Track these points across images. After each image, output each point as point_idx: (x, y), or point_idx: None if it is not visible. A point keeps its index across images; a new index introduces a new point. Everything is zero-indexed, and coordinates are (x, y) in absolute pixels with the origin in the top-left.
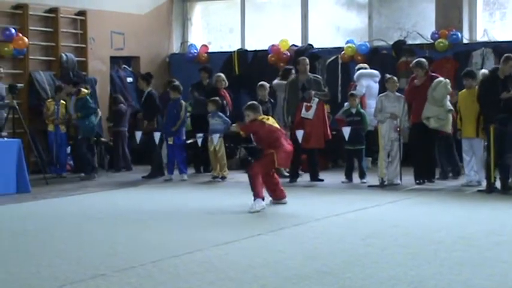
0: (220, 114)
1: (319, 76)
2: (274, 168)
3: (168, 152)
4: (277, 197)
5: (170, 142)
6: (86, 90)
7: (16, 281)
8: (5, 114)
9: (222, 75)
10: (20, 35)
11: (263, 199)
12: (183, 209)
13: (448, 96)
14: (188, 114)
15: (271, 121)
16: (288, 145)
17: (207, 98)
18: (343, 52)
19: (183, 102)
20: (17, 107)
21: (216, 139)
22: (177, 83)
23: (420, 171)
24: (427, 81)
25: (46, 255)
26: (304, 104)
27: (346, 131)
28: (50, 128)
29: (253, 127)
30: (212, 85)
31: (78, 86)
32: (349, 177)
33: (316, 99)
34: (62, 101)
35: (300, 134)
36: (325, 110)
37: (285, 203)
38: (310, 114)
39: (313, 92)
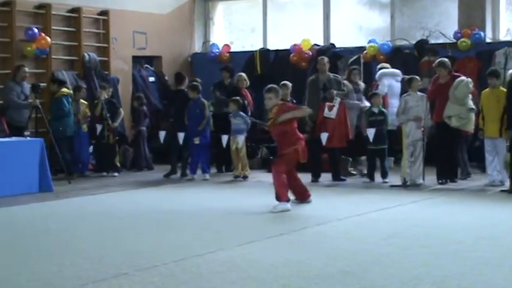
0: (242, 113)
1: (338, 76)
2: (297, 163)
3: (193, 152)
4: (302, 197)
5: (197, 142)
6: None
7: (39, 279)
8: (28, 114)
9: (244, 74)
10: (43, 34)
11: (288, 201)
12: (205, 209)
13: (470, 96)
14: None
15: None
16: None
17: (229, 98)
18: (365, 51)
19: (204, 101)
20: (39, 106)
21: (241, 140)
22: (195, 82)
23: (443, 171)
24: (450, 80)
25: (68, 254)
26: (327, 103)
27: (371, 132)
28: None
29: (289, 108)
30: (233, 85)
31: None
32: (371, 177)
33: (339, 99)
34: (82, 101)
35: (324, 136)
36: (346, 110)
37: (309, 202)
38: (332, 114)
39: (334, 92)
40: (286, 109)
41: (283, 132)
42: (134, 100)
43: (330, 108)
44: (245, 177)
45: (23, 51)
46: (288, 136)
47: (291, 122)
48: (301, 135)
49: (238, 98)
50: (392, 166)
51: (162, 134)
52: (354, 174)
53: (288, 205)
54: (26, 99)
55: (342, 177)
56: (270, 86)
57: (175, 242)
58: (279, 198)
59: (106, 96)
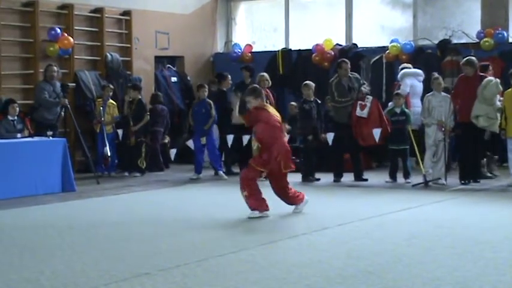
0: None
1: (355, 73)
2: (280, 173)
3: (198, 152)
4: (292, 202)
5: (203, 142)
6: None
7: (61, 279)
8: (59, 113)
9: (266, 74)
10: (66, 34)
11: (261, 211)
12: (226, 208)
13: (498, 96)
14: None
15: (272, 110)
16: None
17: None
18: (387, 51)
19: (210, 101)
20: (68, 106)
21: None
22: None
23: (466, 171)
24: (476, 80)
25: (91, 254)
26: (359, 102)
27: (377, 132)
28: (96, 128)
29: (259, 115)
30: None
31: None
32: (393, 177)
33: (371, 98)
34: (112, 101)
35: (377, 132)
36: (380, 107)
37: (299, 211)
38: (364, 113)
39: (366, 90)
40: (254, 118)
41: (270, 131)
42: (150, 98)
43: (362, 108)
44: (267, 178)
45: (46, 52)
46: (273, 136)
47: (279, 122)
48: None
49: None
50: (415, 166)
51: (230, 138)
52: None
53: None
54: (58, 98)
55: (364, 178)
56: (250, 87)
57: (197, 242)
58: (251, 207)
59: (139, 97)
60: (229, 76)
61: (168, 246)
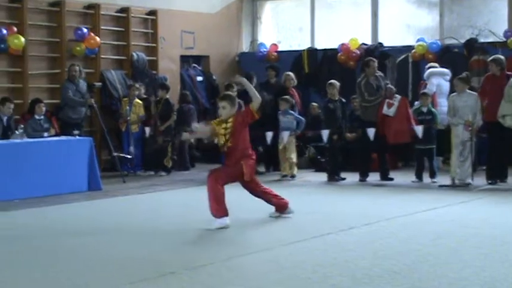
0: (292, 111)
1: (379, 72)
2: (241, 180)
3: None
4: (277, 207)
5: None
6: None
7: (86, 277)
8: (84, 112)
9: (291, 74)
10: (92, 34)
11: (224, 216)
12: (251, 208)
13: None
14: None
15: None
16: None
17: (275, 97)
18: (413, 50)
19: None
20: (94, 105)
21: (285, 136)
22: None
23: (492, 171)
24: (503, 79)
25: (116, 252)
26: (386, 101)
27: (419, 129)
28: (123, 127)
29: (245, 115)
30: (280, 84)
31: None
32: (419, 176)
33: (399, 96)
34: (138, 101)
35: (371, 132)
36: (408, 106)
37: (289, 216)
38: (391, 112)
39: (394, 89)
40: (243, 119)
41: (235, 145)
42: (179, 98)
43: (390, 106)
44: (293, 177)
45: (73, 51)
46: (238, 149)
47: (244, 131)
48: (251, 152)
49: (288, 96)
50: (441, 166)
51: (269, 135)
52: None
53: (225, 220)
54: (83, 97)
55: (390, 177)
56: (224, 93)
57: (222, 241)
58: (213, 213)
59: (167, 97)
60: (255, 77)
61: (193, 246)
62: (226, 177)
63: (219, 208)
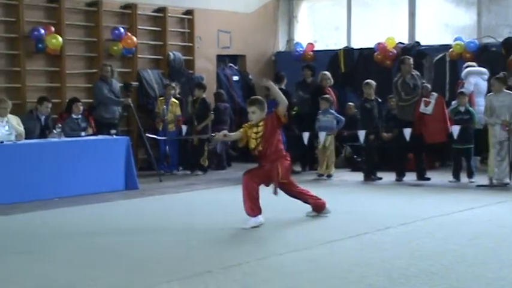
0: (332, 111)
1: (415, 71)
2: (276, 181)
3: None
4: (314, 207)
5: None
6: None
7: (124, 276)
8: (119, 112)
9: (328, 73)
10: (129, 34)
11: (258, 215)
12: (288, 207)
13: None
14: (294, 113)
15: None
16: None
17: (312, 97)
18: (451, 49)
19: None
20: (131, 104)
21: (322, 136)
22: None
23: None
24: None
25: (153, 250)
26: (423, 99)
27: (456, 129)
28: (160, 126)
29: (275, 119)
30: (317, 83)
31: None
32: (456, 176)
33: (435, 94)
34: (174, 100)
35: (407, 131)
36: (444, 105)
37: (326, 214)
38: (428, 110)
39: (430, 87)
40: (272, 123)
41: (266, 149)
42: (214, 97)
43: (427, 104)
44: (329, 176)
45: (110, 51)
46: (269, 152)
47: (275, 135)
48: (286, 154)
49: (328, 96)
50: (479, 165)
51: (305, 135)
52: None
53: (260, 219)
54: (116, 97)
55: (427, 177)
56: (252, 97)
57: (258, 240)
58: (247, 212)
59: (203, 96)
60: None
61: (229, 244)
62: (261, 177)
63: (253, 207)
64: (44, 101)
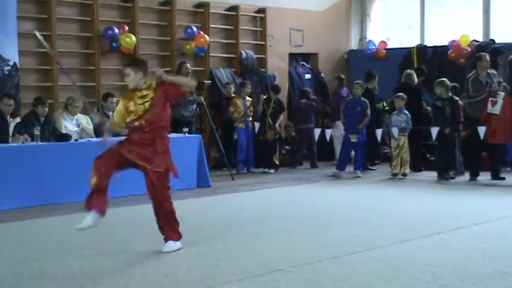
0: (406, 111)
1: (492, 69)
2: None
3: (346, 149)
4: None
5: (354, 140)
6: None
7: (196, 273)
8: (193, 110)
9: (409, 71)
10: (202, 33)
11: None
12: (358, 206)
13: None
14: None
15: None
16: None
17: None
18: None
19: (366, 100)
20: (204, 103)
21: (395, 132)
22: (359, 81)
23: None
24: None
25: (225, 248)
26: (490, 99)
27: None
28: (240, 124)
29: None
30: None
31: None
32: None
33: (502, 94)
34: (248, 98)
35: (482, 130)
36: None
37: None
38: (496, 110)
39: (497, 87)
40: (168, 89)
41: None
42: (300, 94)
43: (493, 104)
44: (404, 175)
45: (183, 49)
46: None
47: (165, 115)
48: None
49: (402, 94)
50: None
51: (379, 133)
52: None
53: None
54: (191, 95)
55: (501, 176)
56: (131, 58)
57: (329, 239)
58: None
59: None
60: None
61: (301, 243)
62: None
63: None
64: (109, 97)
